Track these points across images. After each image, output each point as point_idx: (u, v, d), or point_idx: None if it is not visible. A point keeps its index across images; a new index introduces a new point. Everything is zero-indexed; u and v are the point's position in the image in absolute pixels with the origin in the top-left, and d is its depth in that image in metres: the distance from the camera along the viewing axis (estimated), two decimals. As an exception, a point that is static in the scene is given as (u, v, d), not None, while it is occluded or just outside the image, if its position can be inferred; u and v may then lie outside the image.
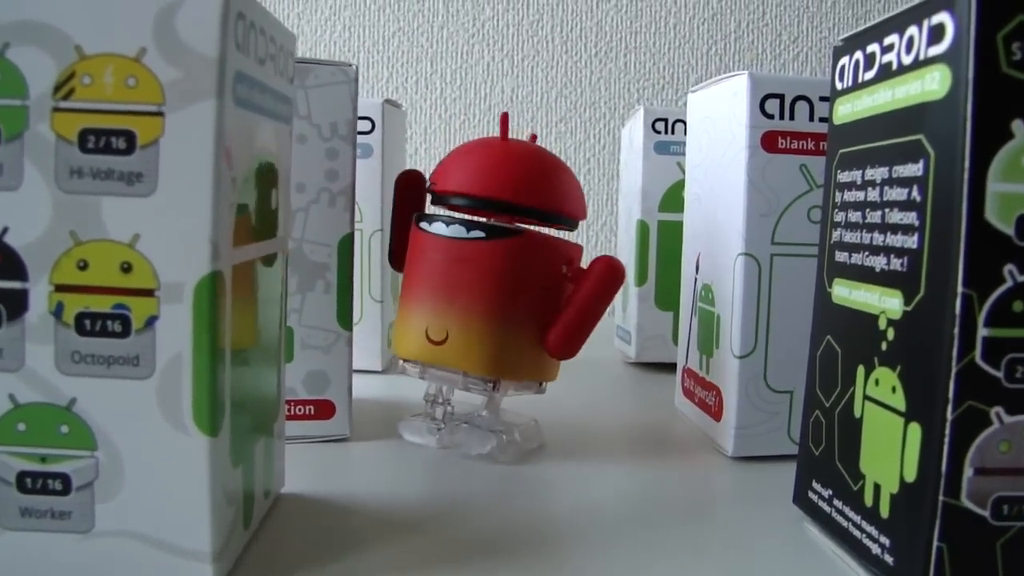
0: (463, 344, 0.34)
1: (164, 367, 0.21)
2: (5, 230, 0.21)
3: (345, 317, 0.37)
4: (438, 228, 0.35)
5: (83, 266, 0.21)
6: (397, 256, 0.38)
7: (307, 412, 0.37)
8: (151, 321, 0.21)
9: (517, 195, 0.34)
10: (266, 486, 0.28)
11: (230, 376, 0.23)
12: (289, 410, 0.36)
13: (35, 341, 0.21)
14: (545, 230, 0.36)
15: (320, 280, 0.37)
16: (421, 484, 0.32)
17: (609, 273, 0.35)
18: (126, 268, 0.21)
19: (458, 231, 0.34)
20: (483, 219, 0.35)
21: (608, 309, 0.36)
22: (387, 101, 0.50)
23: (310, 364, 0.37)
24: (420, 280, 0.35)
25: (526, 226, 0.35)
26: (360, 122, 0.49)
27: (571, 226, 0.37)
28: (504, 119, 0.37)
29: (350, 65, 0.36)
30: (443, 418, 0.37)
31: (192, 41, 0.21)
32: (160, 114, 0.21)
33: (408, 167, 0.39)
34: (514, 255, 0.34)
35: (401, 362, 0.36)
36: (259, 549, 0.26)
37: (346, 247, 0.37)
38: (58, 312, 0.21)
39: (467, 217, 0.35)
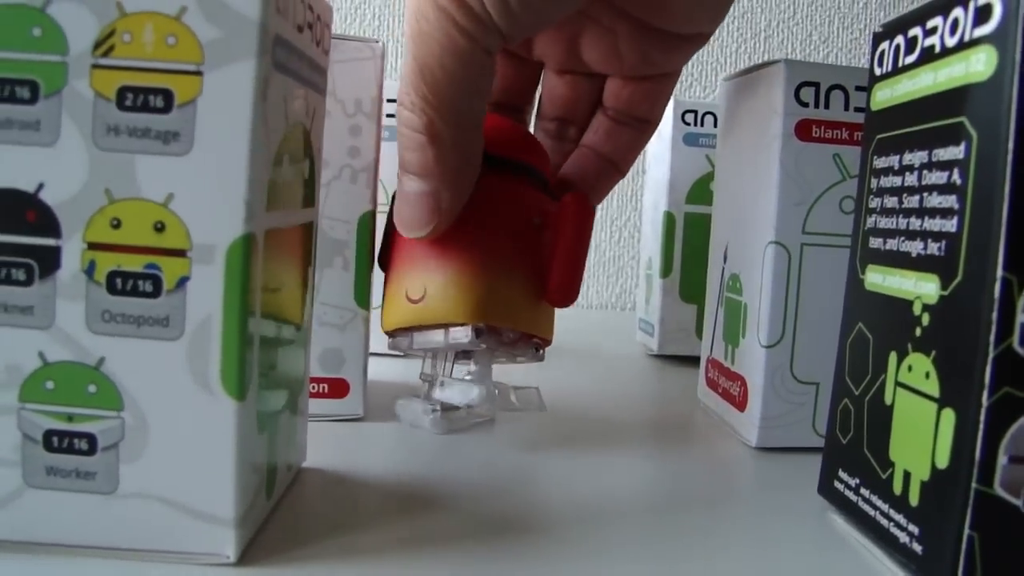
0: (441, 295, 0.33)
1: (194, 329, 0.21)
2: (40, 186, 0.21)
3: (363, 295, 0.37)
4: None
5: (116, 224, 0.21)
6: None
7: (321, 390, 0.37)
8: (182, 282, 0.21)
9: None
10: (289, 459, 0.27)
11: (259, 342, 0.23)
12: (302, 387, 0.36)
13: (66, 299, 0.21)
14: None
15: (339, 257, 0.36)
16: (441, 464, 0.32)
17: (582, 212, 0.35)
18: (159, 227, 0.21)
19: None
20: None
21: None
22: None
23: (325, 342, 0.36)
24: (398, 254, 0.35)
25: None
26: (390, 105, 0.49)
27: (539, 180, 0.36)
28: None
29: (376, 41, 0.36)
30: (437, 400, 0.36)
31: (233, 1, 0.21)
32: (199, 73, 0.21)
33: None
34: (477, 204, 0.33)
35: (389, 340, 0.36)
36: (281, 520, 0.26)
37: (366, 225, 0.37)
38: (90, 270, 0.21)
39: None
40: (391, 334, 0.36)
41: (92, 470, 0.22)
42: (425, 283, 0.33)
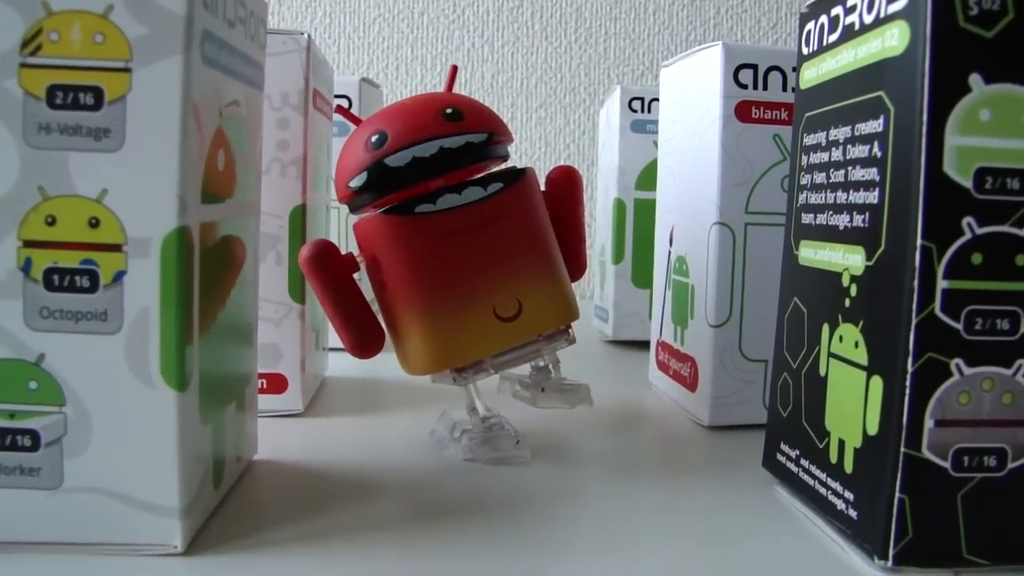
0: (538, 305, 0.30)
1: (132, 322, 0.22)
2: (-27, 186, 0.21)
3: (297, 289, 0.37)
4: (448, 201, 0.29)
5: (51, 221, 0.21)
6: (371, 336, 0.31)
7: (259, 386, 0.36)
8: (119, 276, 0.21)
9: (490, 128, 0.30)
10: (237, 451, 0.28)
11: (199, 333, 0.23)
12: (239, 384, 0.36)
13: (3, 297, 0.21)
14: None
15: (271, 252, 0.36)
16: (393, 455, 0.32)
17: (580, 183, 0.33)
18: (94, 223, 0.21)
19: (475, 192, 0.29)
20: (476, 175, 0.31)
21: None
22: (364, 80, 0.51)
23: (261, 337, 0.35)
24: (446, 270, 0.29)
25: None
26: (337, 100, 0.49)
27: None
28: (453, 72, 0.32)
29: (301, 34, 0.36)
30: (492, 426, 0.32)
31: (159, -3, 0.21)
32: (127, 70, 0.21)
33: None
34: (533, 192, 0.31)
35: (453, 375, 0.31)
36: (230, 510, 0.26)
37: (297, 218, 0.36)
38: (26, 268, 0.21)
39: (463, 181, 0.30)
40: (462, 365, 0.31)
41: (36, 466, 0.22)
42: (517, 294, 0.30)
